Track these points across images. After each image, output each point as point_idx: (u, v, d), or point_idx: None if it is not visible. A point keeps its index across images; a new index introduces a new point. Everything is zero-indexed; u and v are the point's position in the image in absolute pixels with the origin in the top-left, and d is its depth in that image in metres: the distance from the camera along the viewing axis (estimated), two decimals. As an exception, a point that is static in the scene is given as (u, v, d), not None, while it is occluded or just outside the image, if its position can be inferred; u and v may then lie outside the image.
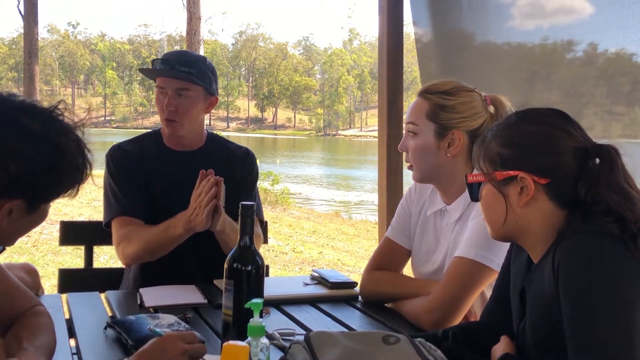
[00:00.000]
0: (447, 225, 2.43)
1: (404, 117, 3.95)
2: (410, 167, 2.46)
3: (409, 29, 4.65)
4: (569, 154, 1.63)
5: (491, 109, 2.37)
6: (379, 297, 2.53)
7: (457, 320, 2.22)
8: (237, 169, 3.04)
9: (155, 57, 2.95)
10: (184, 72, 2.86)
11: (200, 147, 3.03)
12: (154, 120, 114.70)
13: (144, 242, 2.76)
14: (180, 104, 2.87)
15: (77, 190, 1.72)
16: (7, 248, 1.84)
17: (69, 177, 1.66)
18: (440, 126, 2.34)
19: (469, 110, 2.34)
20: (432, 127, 2.35)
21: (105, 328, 2.06)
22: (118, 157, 2.96)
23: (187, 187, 2.90)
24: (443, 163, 2.36)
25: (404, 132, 2.53)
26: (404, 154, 2.47)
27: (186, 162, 2.96)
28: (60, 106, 1.67)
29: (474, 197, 1.81)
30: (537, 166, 1.64)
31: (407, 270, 2.64)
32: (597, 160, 1.62)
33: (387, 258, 2.57)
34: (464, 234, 2.31)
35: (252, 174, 3.11)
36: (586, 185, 1.60)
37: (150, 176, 2.94)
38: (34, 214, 1.65)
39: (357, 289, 2.62)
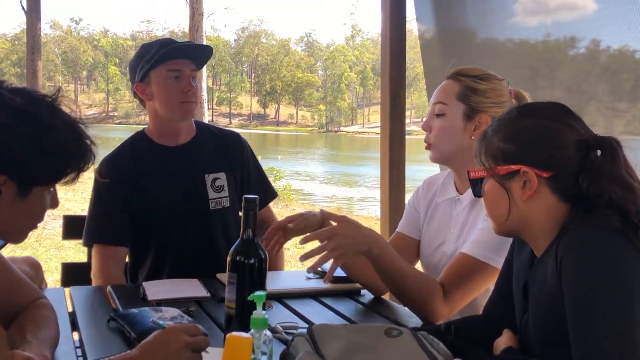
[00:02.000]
0: (458, 215, 2.43)
1: (407, 112, 3.96)
2: (428, 147, 2.45)
3: (411, 26, 4.66)
4: (570, 147, 1.63)
5: (514, 102, 2.38)
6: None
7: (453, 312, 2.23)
8: (231, 153, 3.07)
9: (155, 50, 2.85)
10: (202, 49, 2.93)
11: (192, 137, 3.02)
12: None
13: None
14: (194, 85, 2.89)
15: (76, 178, 1.71)
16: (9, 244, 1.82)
17: (59, 159, 1.63)
18: (469, 108, 2.35)
19: (498, 97, 2.36)
20: (461, 108, 2.36)
21: (109, 321, 2.06)
22: (105, 175, 2.82)
23: (184, 180, 2.93)
24: (465, 146, 2.35)
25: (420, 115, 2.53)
26: (426, 133, 2.45)
27: (182, 155, 2.96)
28: (59, 94, 1.66)
29: (477, 193, 1.81)
30: (539, 160, 1.64)
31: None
32: (599, 152, 1.62)
33: (399, 250, 2.56)
34: (474, 223, 2.32)
35: (251, 158, 3.14)
36: (588, 177, 1.60)
37: (145, 178, 2.92)
38: (27, 198, 1.62)
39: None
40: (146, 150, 2.97)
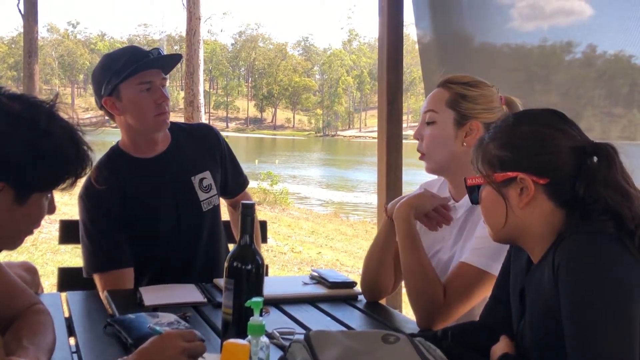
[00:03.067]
0: (454, 222, 2.42)
1: (405, 117, 3.96)
2: (422, 157, 2.44)
3: (408, 30, 4.66)
4: (566, 153, 1.63)
5: (504, 108, 2.38)
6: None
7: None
8: (208, 146, 3.04)
9: (122, 64, 2.72)
10: (171, 58, 2.84)
11: (170, 143, 2.93)
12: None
13: None
14: (166, 95, 2.79)
15: (73, 184, 1.70)
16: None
17: (57, 165, 1.63)
18: (460, 115, 2.35)
19: (488, 103, 2.36)
20: (451, 115, 2.36)
21: (105, 327, 2.06)
22: (93, 195, 2.76)
23: (172, 188, 2.90)
24: (458, 153, 2.35)
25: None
26: (417, 143, 2.44)
27: (163, 163, 2.90)
28: (56, 99, 1.66)
29: (474, 200, 1.81)
30: (535, 166, 1.64)
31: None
32: (595, 159, 1.63)
33: (395, 257, 2.55)
34: (471, 230, 2.32)
35: (226, 147, 3.12)
36: (584, 183, 1.60)
37: (132, 194, 2.83)
38: (25, 205, 1.62)
39: (357, 288, 2.62)
40: (126, 165, 2.86)
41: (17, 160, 1.56)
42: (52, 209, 1.74)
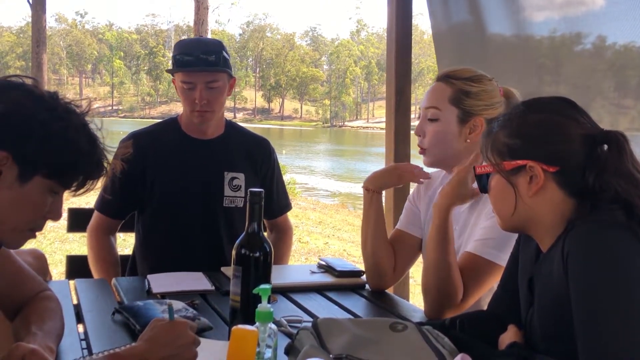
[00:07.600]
0: (459, 214, 2.41)
1: (412, 107, 3.95)
2: (422, 152, 2.43)
3: (416, 20, 4.64)
4: (577, 141, 1.62)
5: (503, 100, 2.37)
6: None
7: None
8: (257, 158, 3.13)
9: (175, 54, 2.91)
10: (211, 63, 2.89)
11: (220, 134, 3.08)
12: (161, 110, 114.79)
13: (93, 259, 2.98)
14: (211, 95, 2.90)
15: (83, 185, 1.68)
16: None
17: (64, 151, 1.60)
18: (463, 112, 2.34)
19: (490, 99, 2.35)
20: (455, 112, 2.35)
21: (114, 313, 2.07)
22: (133, 147, 2.97)
23: (202, 174, 2.98)
24: (460, 150, 2.35)
25: (414, 117, 2.52)
26: (418, 139, 2.44)
27: (206, 149, 3.02)
28: (84, 102, 1.67)
29: (483, 189, 1.81)
30: (545, 154, 1.64)
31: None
32: (605, 147, 1.62)
33: (399, 247, 2.56)
34: (476, 222, 2.31)
35: (276, 166, 3.22)
36: (594, 172, 1.59)
37: (166, 165, 2.98)
38: (26, 185, 1.58)
39: (364, 277, 2.62)
40: (172, 137, 3.05)
41: (24, 132, 1.55)
42: (56, 212, 1.69)
